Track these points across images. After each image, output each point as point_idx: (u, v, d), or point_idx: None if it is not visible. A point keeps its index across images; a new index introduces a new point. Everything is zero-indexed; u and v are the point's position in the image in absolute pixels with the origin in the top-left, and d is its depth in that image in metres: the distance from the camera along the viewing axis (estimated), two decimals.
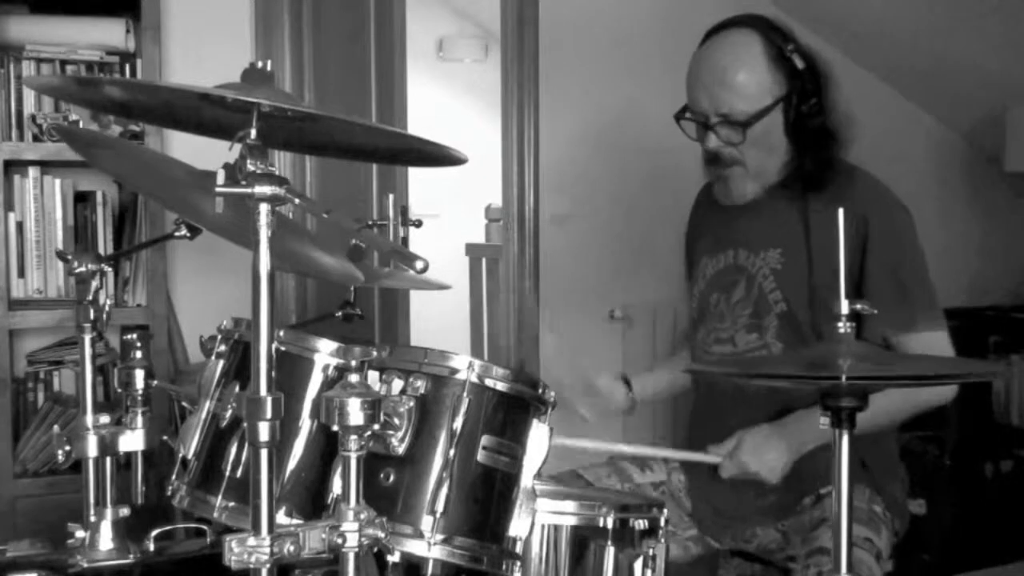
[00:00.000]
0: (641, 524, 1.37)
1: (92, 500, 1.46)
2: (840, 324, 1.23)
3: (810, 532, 1.74)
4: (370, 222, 2.15)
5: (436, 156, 1.22)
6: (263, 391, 1.05)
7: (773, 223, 1.86)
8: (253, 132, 1.06)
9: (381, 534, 1.10)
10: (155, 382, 1.52)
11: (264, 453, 1.04)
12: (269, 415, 1.04)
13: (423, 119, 3.99)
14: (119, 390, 1.52)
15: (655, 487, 1.93)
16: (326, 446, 1.27)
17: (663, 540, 1.38)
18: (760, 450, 1.73)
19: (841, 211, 1.26)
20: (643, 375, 2.10)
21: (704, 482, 1.91)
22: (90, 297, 1.47)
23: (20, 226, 2.47)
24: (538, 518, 1.30)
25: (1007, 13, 3.01)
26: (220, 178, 1.05)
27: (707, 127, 1.83)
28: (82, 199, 2.54)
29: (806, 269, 1.80)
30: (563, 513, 1.34)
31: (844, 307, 1.23)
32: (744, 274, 1.88)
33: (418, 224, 2.72)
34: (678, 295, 2.34)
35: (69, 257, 1.48)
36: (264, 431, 1.04)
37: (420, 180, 3.55)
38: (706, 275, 1.96)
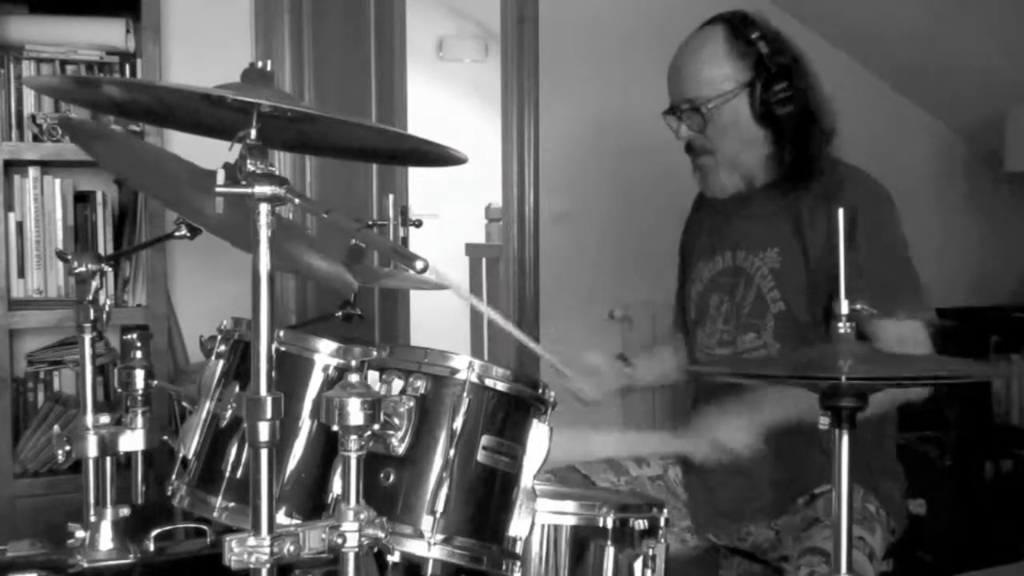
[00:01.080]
0: (641, 524, 1.37)
1: (92, 500, 1.46)
2: (840, 324, 1.23)
3: (802, 532, 1.74)
4: (370, 222, 2.16)
5: (436, 156, 1.22)
6: (263, 391, 1.05)
7: (768, 223, 1.86)
8: (253, 132, 1.07)
9: (381, 534, 1.10)
10: (155, 382, 1.52)
11: (264, 453, 1.04)
12: (269, 415, 1.04)
13: (423, 119, 3.99)
14: (119, 390, 1.52)
15: (651, 480, 1.93)
16: (326, 446, 1.27)
17: (663, 540, 1.38)
18: (716, 426, 1.73)
19: (841, 211, 1.26)
20: (644, 357, 2.10)
21: (700, 480, 1.91)
22: (90, 297, 1.47)
23: (20, 226, 2.47)
24: (538, 518, 1.30)
25: (1007, 13, 3.01)
26: (220, 178, 1.05)
27: (679, 117, 1.88)
28: (82, 199, 2.54)
29: (802, 268, 1.80)
30: (563, 513, 1.34)
31: (844, 307, 1.23)
32: (743, 275, 1.88)
33: (418, 224, 2.72)
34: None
35: (69, 257, 1.48)
36: (264, 431, 1.04)
37: (420, 180, 3.56)
38: (703, 277, 1.97)
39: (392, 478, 1.22)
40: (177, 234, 1.59)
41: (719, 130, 1.83)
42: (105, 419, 1.48)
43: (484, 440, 1.25)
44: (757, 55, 1.80)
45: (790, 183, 1.84)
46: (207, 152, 1.19)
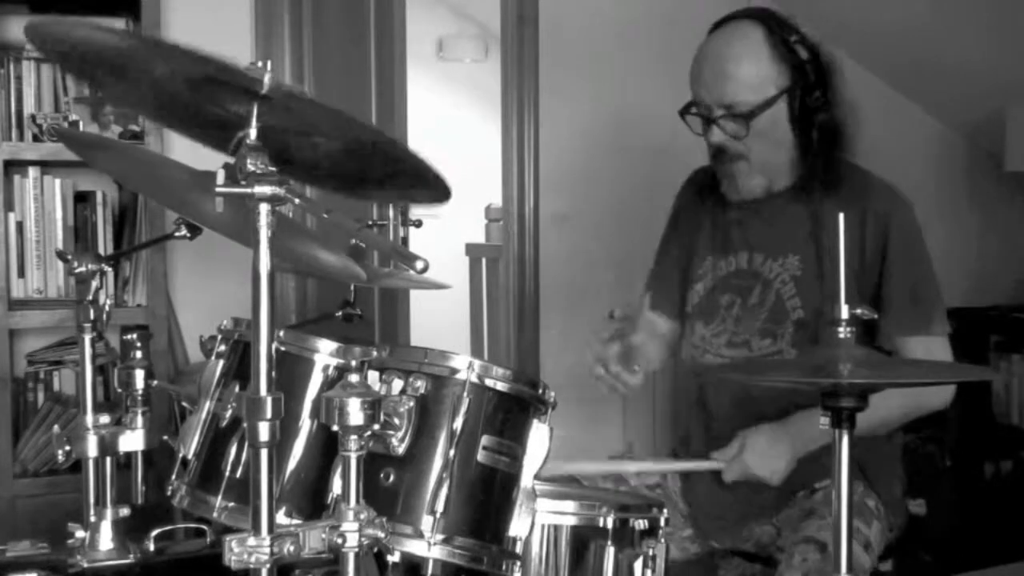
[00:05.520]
0: (641, 524, 1.37)
1: (92, 500, 1.46)
2: (840, 328, 1.23)
3: (799, 523, 1.74)
4: (370, 222, 2.16)
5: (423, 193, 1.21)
6: (263, 391, 1.05)
7: (791, 229, 1.84)
8: (253, 132, 1.07)
9: (381, 534, 1.10)
10: (155, 382, 1.52)
11: (264, 453, 1.04)
12: (269, 415, 1.04)
13: (423, 119, 3.99)
14: (119, 390, 1.52)
15: (650, 489, 1.92)
16: (326, 446, 1.27)
17: (663, 540, 1.38)
18: (763, 452, 1.73)
19: (842, 216, 1.26)
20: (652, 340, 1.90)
21: (699, 488, 1.90)
22: (90, 297, 1.47)
23: (20, 226, 2.47)
24: (538, 518, 1.30)
25: (1007, 13, 3.01)
26: (220, 178, 1.05)
27: (711, 121, 1.81)
28: (82, 199, 2.54)
29: (824, 277, 1.79)
30: (563, 513, 1.34)
31: (844, 311, 1.23)
32: (760, 279, 1.86)
33: (418, 224, 2.72)
34: None
35: (69, 257, 1.48)
36: (264, 431, 1.04)
37: None
38: (714, 275, 1.94)
39: (392, 478, 1.22)
40: (177, 234, 1.59)
41: (756, 135, 1.79)
42: (105, 419, 1.48)
43: (484, 440, 1.25)
44: (796, 59, 1.77)
45: (813, 188, 1.82)
46: (207, 152, 1.19)
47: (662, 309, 2.08)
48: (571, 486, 1.82)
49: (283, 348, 1.30)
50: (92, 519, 1.45)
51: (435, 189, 1.20)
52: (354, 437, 1.09)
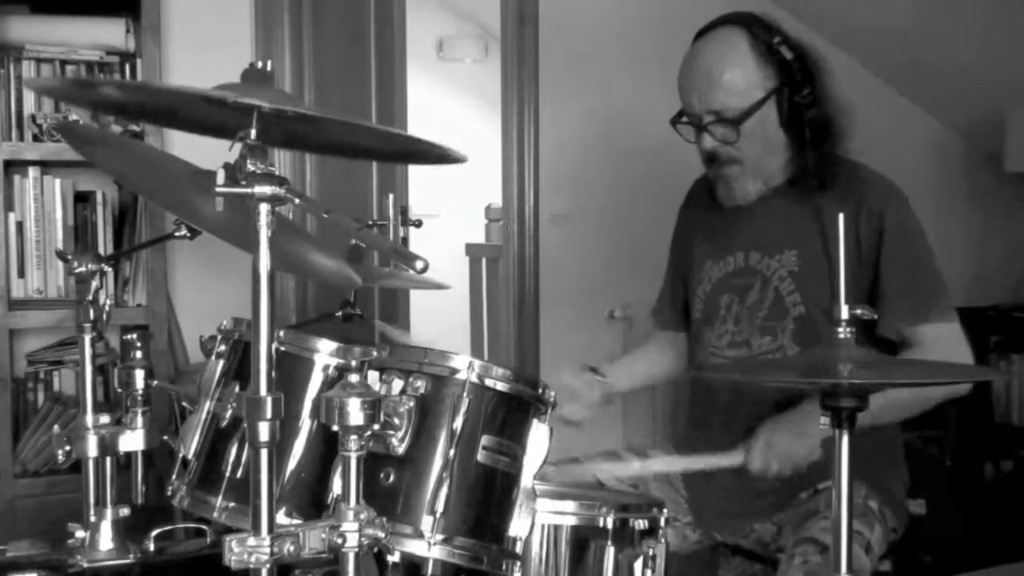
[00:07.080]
0: (641, 524, 1.37)
1: (92, 500, 1.46)
2: (840, 328, 1.23)
3: (801, 523, 1.74)
4: (370, 222, 2.16)
5: (436, 155, 1.22)
6: (263, 391, 1.05)
7: (787, 225, 1.85)
8: (253, 132, 1.06)
9: (381, 534, 1.10)
10: (155, 382, 1.52)
11: (264, 453, 1.04)
12: (269, 415, 1.04)
13: (423, 119, 3.99)
14: (119, 390, 1.52)
15: (653, 475, 1.93)
16: (326, 446, 1.27)
17: (663, 540, 1.38)
18: (788, 450, 1.69)
19: (842, 216, 1.26)
20: (616, 365, 2.04)
21: (701, 481, 1.90)
22: (90, 297, 1.47)
23: (20, 226, 2.47)
24: (538, 518, 1.30)
25: (1007, 13, 3.01)
26: (220, 178, 1.05)
27: (701, 128, 1.83)
28: (82, 199, 2.54)
29: (823, 271, 1.79)
30: (563, 513, 1.34)
31: (844, 311, 1.23)
32: (758, 276, 1.86)
33: (418, 224, 2.72)
34: None
35: (69, 257, 1.48)
36: (264, 431, 1.04)
37: (420, 180, 3.56)
38: (711, 277, 1.94)
39: (392, 478, 1.22)
40: (177, 234, 1.59)
41: (747, 138, 1.80)
42: (105, 419, 1.48)
43: (484, 440, 1.25)
44: (780, 59, 1.78)
45: (809, 185, 1.82)
46: (207, 152, 1.19)
47: (670, 326, 2.10)
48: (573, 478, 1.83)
49: (283, 348, 1.30)
50: (92, 519, 1.45)
51: (446, 157, 1.20)
52: (354, 437, 1.09)
